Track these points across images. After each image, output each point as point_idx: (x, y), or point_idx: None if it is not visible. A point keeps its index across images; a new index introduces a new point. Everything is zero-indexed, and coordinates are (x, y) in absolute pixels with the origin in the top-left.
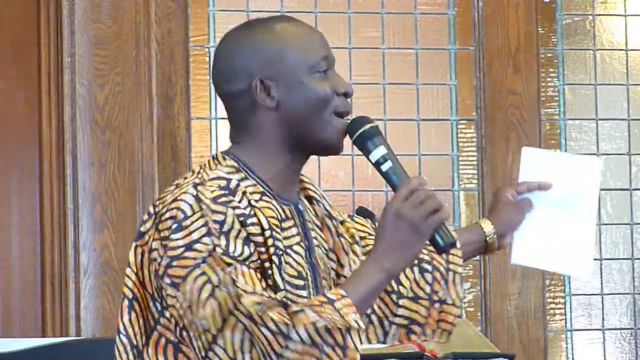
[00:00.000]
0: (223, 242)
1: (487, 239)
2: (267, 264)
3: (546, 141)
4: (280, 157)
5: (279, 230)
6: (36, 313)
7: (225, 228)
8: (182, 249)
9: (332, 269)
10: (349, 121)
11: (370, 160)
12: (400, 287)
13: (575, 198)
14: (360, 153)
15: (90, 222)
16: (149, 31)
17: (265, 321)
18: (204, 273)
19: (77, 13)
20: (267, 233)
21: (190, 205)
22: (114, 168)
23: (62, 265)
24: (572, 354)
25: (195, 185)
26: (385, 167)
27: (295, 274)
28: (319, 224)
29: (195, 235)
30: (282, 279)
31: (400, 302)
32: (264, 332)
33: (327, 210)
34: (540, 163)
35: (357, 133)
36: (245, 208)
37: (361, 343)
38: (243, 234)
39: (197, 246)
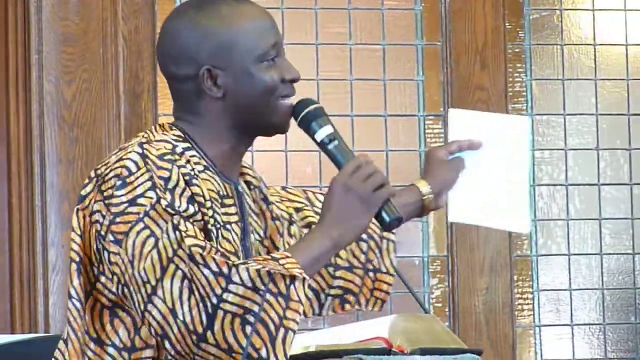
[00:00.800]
0: (168, 196)
1: (424, 198)
2: (208, 227)
3: None
4: (225, 139)
5: (218, 204)
6: (5, 310)
7: (171, 185)
8: (125, 205)
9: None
10: (293, 103)
11: (315, 140)
12: (337, 259)
13: (505, 156)
14: None
15: (58, 219)
16: (116, 28)
17: (207, 261)
18: (146, 227)
19: (45, 10)
20: (208, 203)
21: (136, 162)
22: (81, 165)
23: (30, 262)
24: (541, 350)
25: (141, 144)
26: (330, 146)
27: (232, 250)
28: (256, 210)
29: (139, 190)
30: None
31: (337, 273)
32: (205, 272)
33: (263, 194)
34: (469, 123)
35: (302, 114)
36: (190, 170)
37: (306, 296)
38: (187, 192)
39: (141, 200)
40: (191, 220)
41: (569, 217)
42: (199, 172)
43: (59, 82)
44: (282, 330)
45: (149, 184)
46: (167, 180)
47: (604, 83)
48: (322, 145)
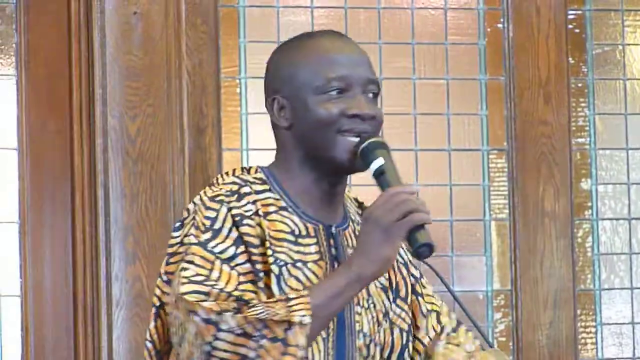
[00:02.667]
0: (207, 236)
1: None
2: (260, 268)
3: (577, 171)
4: (303, 174)
5: (289, 243)
6: (69, 345)
7: (216, 225)
8: (177, 246)
9: (385, 303)
10: (357, 139)
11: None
12: None
13: None
14: None
15: (122, 253)
16: (180, 62)
17: (197, 310)
18: (185, 268)
19: (109, 44)
20: (267, 244)
21: (194, 203)
22: (145, 199)
23: (94, 296)
24: None
25: (209, 186)
26: (380, 179)
27: (300, 287)
28: None
29: (185, 230)
30: (280, 288)
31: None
32: (196, 320)
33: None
34: None
35: (360, 149)
36: (247, 211)
37: (305, 339)
38: (234, 233)
39: (185, 240)
40: (231, 262)
41: (632, 251)
42: (271, 212)
43: (123, 116)
44: None
45: (191, 223)
46: (213, 220)
47: None
48: (374, 177)
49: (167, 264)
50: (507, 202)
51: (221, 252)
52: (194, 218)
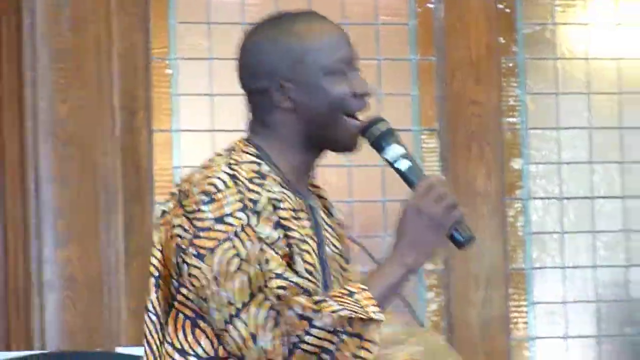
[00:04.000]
0: (254, 220)
1: None
2: (295, 250)
3: (508, 150)
4: (296, 153)
5: (294, 220)
6: (1, 327)
7: (259, 208)
8: (211, 221)
9: (342, 270)
10: (361, 121)
11: (386, 160)
12: None
13: None
14: (325, 164)
15: (53, 236)
16: (110, 44)
17: (292, 305)
18: (234, 246)
19: (38, 26)
20: (291, 225)
21: (225, 182)
22: (76, 182)
23: (25, 279)
24: None
25: (229, 165)
26: (400, 165)
27: (312, 261)
28: (330, 223)
29: (227, 209)
30: (301, 266)
31: None
32: (290, 314)
33: (338, 218)
34: None
35: (373, 133)
36: (276, 192)
37: (378, 334)
38: (274, 217)
39: (230, 219)
40: (275, 247)
41: (563, 230)
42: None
43: (53, 99)
44: None
45: (239, 204)
46: (255, 203)
47: (597, 97)
48: (391, 165)
49: (198, 237)
50: None
51: (267, 237)
52: (241, 199)
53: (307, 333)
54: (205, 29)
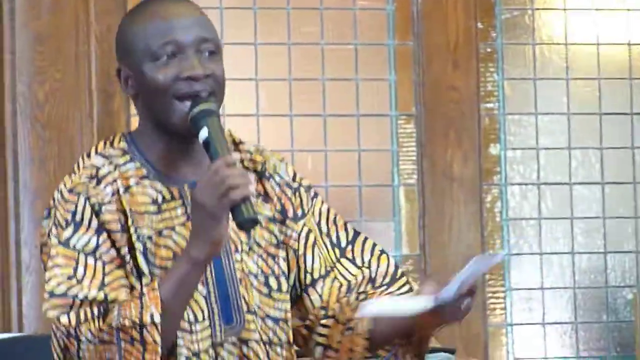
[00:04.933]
0: (69, 232)
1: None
2: (127, 250)
3: (486, 136)
4: (158, 138)
5: (150, 214)
6: None
7: (77, 217)
8: (46, 237)
9: (275, 233)
10: (190, 103)
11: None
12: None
13: None
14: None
15: (31, 218)
16: (88, 27)
17: (58, 326)
18: (53, 267)
19: (17, 10)
20: (129, 221)
21: (53, 199)
22: (54, 164)
23: (3, 262)
24: (513, 349)
25: (67, 176)
26: (208, 151)
27: (170, 255)
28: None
29: (50, 226)
30: (149, 262)
31: (323, 321)
32: (59, 335)
33: (283, 177)
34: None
35: (190, 118)
36: (106, 196)
37: (160, 337)
38: (94, 223)
39: (49, 239)
40: (96, 253)
41: (541, 216)
42: (132, 185)
43: (32, 81)
44: None
45: (52, 220)
46: (74, 213)
47: (576, 82)
48: (204, 147)
49: (42, 252)
50: (416, 168)
51: (85, 245)
52: (55, 215)
53: (79, 349)
54: None
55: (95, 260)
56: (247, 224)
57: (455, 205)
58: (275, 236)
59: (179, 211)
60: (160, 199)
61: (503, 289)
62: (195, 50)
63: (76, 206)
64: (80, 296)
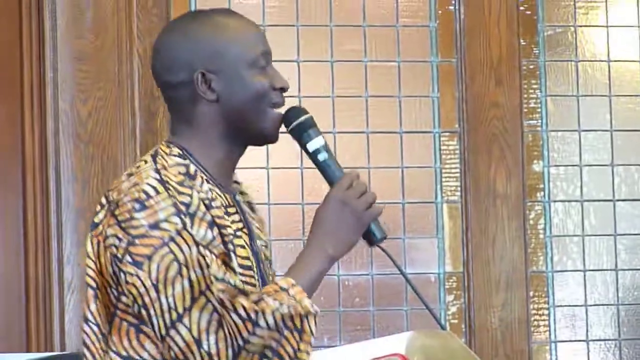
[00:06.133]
0: (189, 223)
1: None
2: (227, 247)
3: (529, 152)
4: (219, 147)
5: (224, 215)
6: (21, 328)
7: (192, 210)
8: (145, 228)
9: (270, 262)
10: (283, 112)
11: (306, 150)
12: None
13: None
14: (344, 166)
15: (74, 237)
16: (131, 45)
17: (236, 307)
18: (171, 252)
19: (60, 27)
20: (225, 217)
21: (154, 187)
22: (97, 183)
23: (46, 280)
24: None
25: (157, 170)
26: (322, 157)
27: (245, 254)
28: (254, 216)
29: (161, 215)
30: (236, 261)
31: None
32: (234, 317)
33: (258, 215)
34: None
35: (294, 123)
36: (206, 192)
37: (315, 326)
38: (208, 217)
39: (164, 225)
40: (211, 247)
41: (584, 233)
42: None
43: (74, 99)
44: None
45: (172, 209)
46: (188, 205)
47: (618, 99)
48: (313, 155)
49: (133, 245)
50: (459, 184)
51: (202, 238)
52: (174, 203)
53: (252, 334)
54: None
55: (211, 254)
56: (381, 240)
57: (499, 222)
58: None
59: (237, 217)
60: (225, 203)
61: (546, 306)
62: (271, 64)
63: (191, 198)
64: (232, 283)
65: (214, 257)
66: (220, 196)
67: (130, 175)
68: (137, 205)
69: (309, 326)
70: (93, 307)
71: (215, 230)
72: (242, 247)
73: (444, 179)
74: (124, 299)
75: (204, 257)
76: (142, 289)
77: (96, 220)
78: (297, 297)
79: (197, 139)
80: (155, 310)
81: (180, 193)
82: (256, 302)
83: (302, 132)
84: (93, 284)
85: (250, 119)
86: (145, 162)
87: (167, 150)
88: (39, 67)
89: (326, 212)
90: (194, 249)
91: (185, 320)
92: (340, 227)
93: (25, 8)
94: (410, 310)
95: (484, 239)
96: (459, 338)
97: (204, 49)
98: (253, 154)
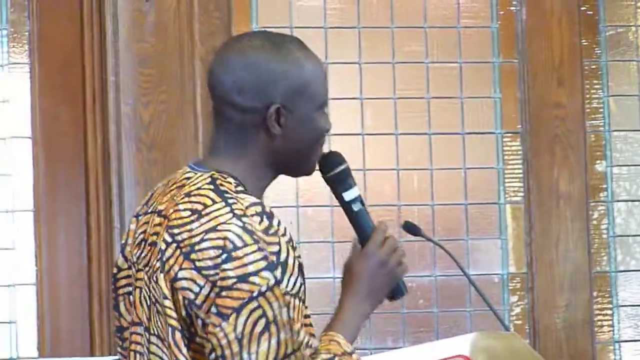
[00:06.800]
0: (279, 276)
1: None
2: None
3: (591, 153)
4: (266, 176)
5: None
6: (84, 333)
7: (282, 257)
8: (234, 280)
9: None
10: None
11: (341, 198)
12: None
13: None
14: (406, 168)
15: None
16: (192, 49)
17: None
18: (260, 307)
19: (121, 31)
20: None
21: (239, 236)
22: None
23: (109, 284)
24: None
25: (237, 217)
26: (356, 207)
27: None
28: None
29: (251, 268)
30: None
31: None
32: None
33: None
34: None
35: (335, 170)
36: (284, 231)
37: None
38: (297, 262)
39: (254, 279)
40: (300, 294)
41: None
42: None
43: (136, 103)
44: None
45: (262, 263)
46: (278, 254)
47: None
48: (347, 205)
49: (220, 296)
50: (522, 185)
51: (292, 288)
52: (264, 257)
53: None
54: (287, 33)
55: (300, 302)
56: (404, 295)
57: (562, 223)
58: None
59: None
60: None
61: (610, 306)
62: None
63: (280, 247)
64: (313, 345)
65: (301, 305)
66: None
67: (199, 214)
68: (224, 256)
69: None
70: (184, 350)
71: (301, 276)
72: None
73: (506, 180)
74: (197, 339)
75: (291, 316)
76: (223, 341)
77: (163, 258)
78: (347, 349)
79: (244, 164)
80: None
81: (268, 243)
82: (313, 355)
83: (340, 180)
84: (179, 326)
85: (305, 157)
86: (210, 199)
87: (231, 186)
88: (100, 72)
89: (365, 270)
90: (285, 310)
91: None
92: (377, 286)
93: (87, 13)
94: (474, 312)
95: (547, 240)
96: (523, 339)
97: (283, 84)
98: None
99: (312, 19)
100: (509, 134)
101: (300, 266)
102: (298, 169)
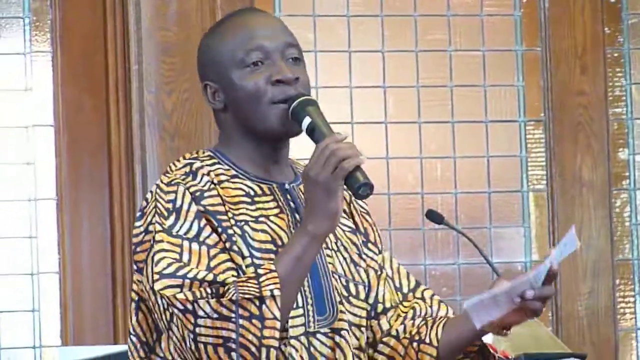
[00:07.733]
0: (171, 220)
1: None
2: (230, 232)
3: (614, 141)
4: (246, 146)
5: (246, 204)
6: (107, 321)
7: (177, 204)
8: (142, 235)
9: (357, 244)
10: (286, 105)
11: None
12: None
13: None
14: (430, 156)
15: None
16: None
17: (174, 302)
18: (158, 251)
19: (144, 20)
20: (226, 208)
21: (151, 192)
22: None
23: (132, 273)
24: None
25: (161, 176)
26: (313, 136)
27: (269, 239)
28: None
29: (149, 219)
30: (248, 245)
31: (384, 339)
32: (176, 312)
33: (363, 207)
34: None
35: (290, 112)
36: (203, 186)
37: (279, 310)
38: (194, 208)
39: (150, 227)
40: (199, 238)
41: None
42: (223, 181)
43: (159, 92)
44: (264, 350)
45: (154, 211)
46: (173, 202)
47: None
48: (309, 135)
49: (135, 253)
50: (545, 173)
51: (187, 232)
52: (155, 206)
53: (196, 325)
54: (310, 21)
55: (200, 245)
56: (363, 190)
57: (585, 211)
58: (358, 247)
59: (272, 204)
60: (252, 193)
61: (632, 294)
62: (281, 56)
63: (176, 194)
64: (190, 276)
65: (201, 248)
66: (247, 187)
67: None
68: (138, 214)
69: (269, 310)
70: (134, 319)
71: (204, 220)
72: (264, 231)
73: (529, 168)
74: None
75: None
76: (146, 294)
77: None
78: (264, 283)
79: (227, 142)
80: (156, 313)
81: (166, 193)
82: (213, 293)
83: (295, 118)
84: (135, 297)
85: (254, 120)
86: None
87: (199, 154)
88: (123, 61)
89: (304, 192)
90: (179, 252)
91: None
92: (313, 204)
93: (110, 2)
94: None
95: (569, 228)
96: (546, 326)
97: (206, 58)
98: None
99: (335, 8)
100: (532, 122)
101: (203, 214)
102: (263, 134)
